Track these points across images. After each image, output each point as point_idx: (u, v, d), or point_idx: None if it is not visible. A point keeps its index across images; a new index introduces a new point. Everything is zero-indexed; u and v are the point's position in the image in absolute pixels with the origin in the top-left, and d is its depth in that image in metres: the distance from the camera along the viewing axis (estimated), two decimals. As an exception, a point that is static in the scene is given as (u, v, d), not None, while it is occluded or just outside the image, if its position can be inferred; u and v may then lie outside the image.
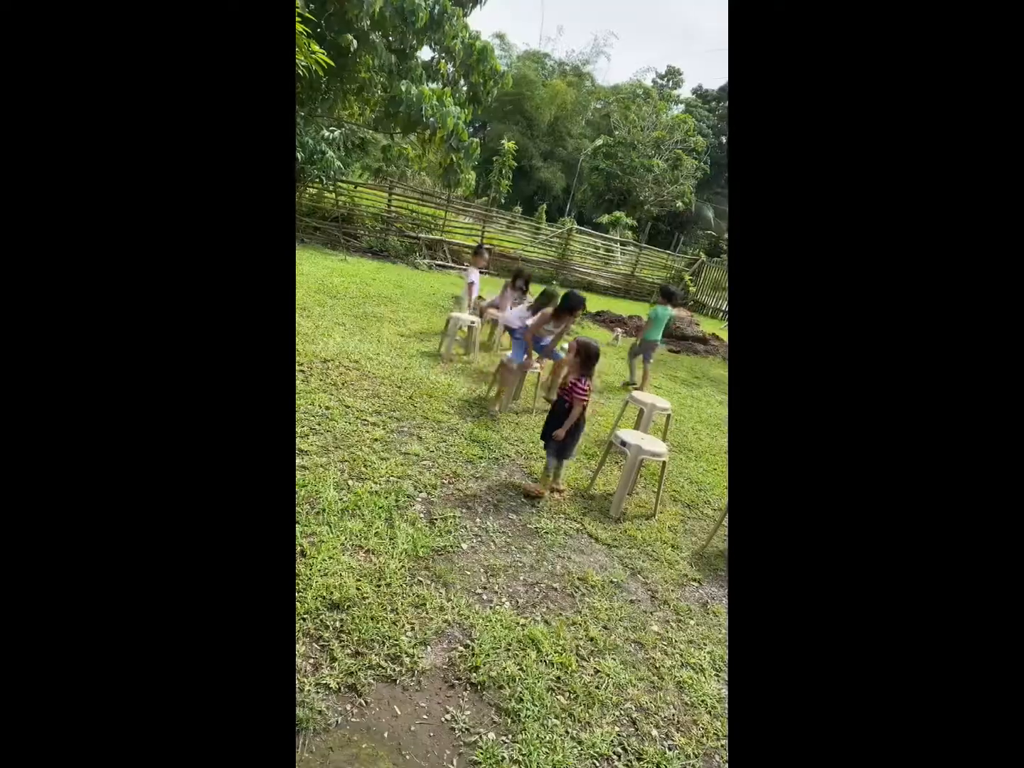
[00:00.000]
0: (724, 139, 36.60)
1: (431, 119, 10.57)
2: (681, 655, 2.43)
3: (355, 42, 9.63)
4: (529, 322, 4.89)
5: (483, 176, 22.29)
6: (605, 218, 22.71)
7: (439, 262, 13.39)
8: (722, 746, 2.02)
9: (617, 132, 25.37)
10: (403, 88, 10.36)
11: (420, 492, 3.21)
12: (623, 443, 3.58)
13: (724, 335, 12.30)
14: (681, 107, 32.68)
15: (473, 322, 5.95)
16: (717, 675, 2.36)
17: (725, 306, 16.70)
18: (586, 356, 3.42)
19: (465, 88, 11.92)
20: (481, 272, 6.87)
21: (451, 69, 11.66)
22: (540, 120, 29.02)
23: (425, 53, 11.71)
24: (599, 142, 25.72)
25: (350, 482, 3.12)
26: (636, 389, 6.26)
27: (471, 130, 12.81)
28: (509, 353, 4.93)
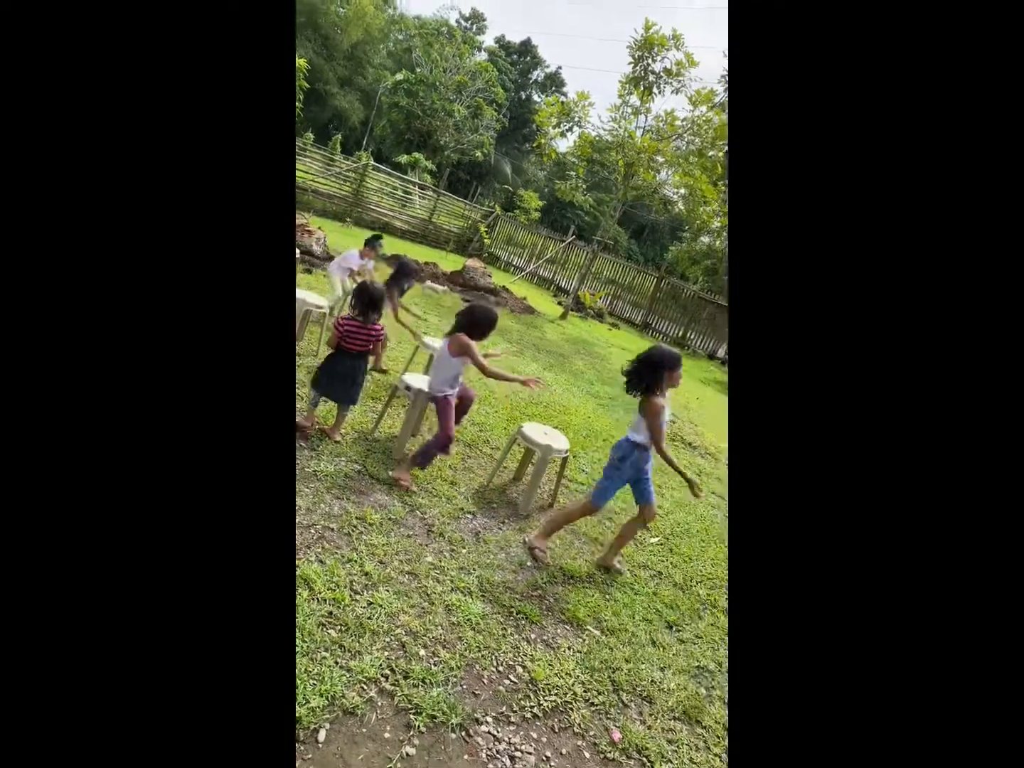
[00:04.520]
0: (524, 95, 37.50)
1: (203, 13, 9.11)
2: (452, 581, 2.61)
3: None
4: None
5: (269, 92, 19.94)
6: (404, 158, 22.03)
7: (214, 184, 11.84)
8: (483, 656, 2.25)
9: (419, 69, 24.48)
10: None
11: (181, 437, 2.92)
12: (408, 387, 3.62)
13: (514, 289, 12.93)
14: (484, 55, 32.52)
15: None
16: (483, 595, 2.59)
17: (517, 261, 17.50)
18: (369, 300, 3.37)
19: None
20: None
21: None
22: (338, 41, 26.71)
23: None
24: (400, 77, 24.54)
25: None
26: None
27: (254, 36, 11.28)
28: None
